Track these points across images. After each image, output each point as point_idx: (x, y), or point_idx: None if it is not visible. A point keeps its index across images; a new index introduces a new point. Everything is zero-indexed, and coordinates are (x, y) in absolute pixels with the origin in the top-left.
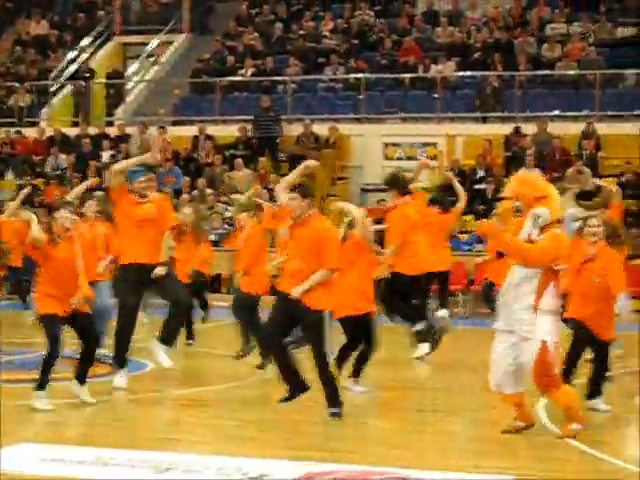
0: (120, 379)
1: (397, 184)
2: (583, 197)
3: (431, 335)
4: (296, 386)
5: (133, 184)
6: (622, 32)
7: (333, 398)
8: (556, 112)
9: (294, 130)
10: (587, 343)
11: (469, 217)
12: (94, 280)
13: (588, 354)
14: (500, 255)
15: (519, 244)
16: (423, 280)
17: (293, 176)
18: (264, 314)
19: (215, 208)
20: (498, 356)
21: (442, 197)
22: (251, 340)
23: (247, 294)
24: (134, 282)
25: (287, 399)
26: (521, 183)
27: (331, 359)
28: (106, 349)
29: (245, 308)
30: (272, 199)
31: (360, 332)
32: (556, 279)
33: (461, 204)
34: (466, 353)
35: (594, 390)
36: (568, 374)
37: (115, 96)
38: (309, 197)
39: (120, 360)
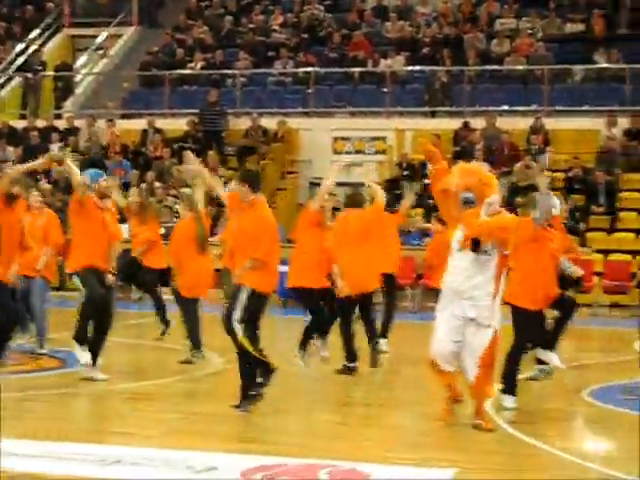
0: (83, 356)
1: (353, 204)
2: (531, 191)
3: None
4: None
5: (98, 184)
6: (570, 28)
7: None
8: (505, 107)
9: (242, 124)
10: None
11: (419, 211)
12: (29, 275)
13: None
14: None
15: (492, 221)
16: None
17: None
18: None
19: (165, 202)
20: (443, 335)
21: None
22: (199, 346)
23: (183, 297)
24: (98, 280)
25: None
26: (471, 174)
27: (240, 332)
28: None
29: (184, 310)
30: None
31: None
32: (507, 265)
33: (406, 203)
34: (414, 347)
35: (552, 342)
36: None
37: (64, 89)
38: (247, 182)
39: (79, 338)
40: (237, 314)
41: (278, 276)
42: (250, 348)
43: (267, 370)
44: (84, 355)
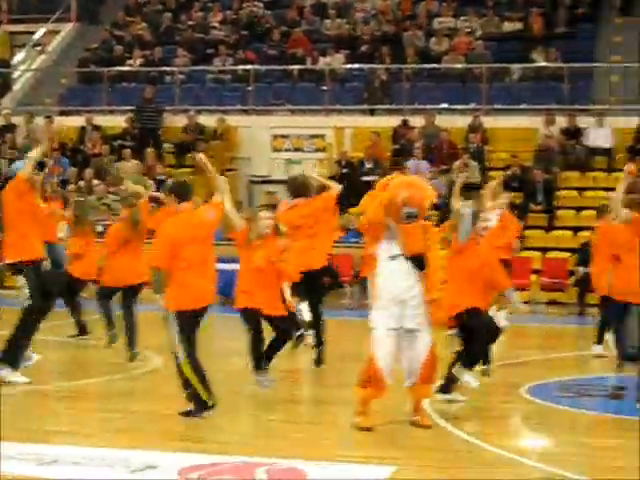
0: (14, 376)
1: (298, 192)
2: (468, 189)
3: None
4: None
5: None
6: (509, 26)
7: (189, 396)
8: (444, 105)
9: (180, 121)
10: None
11: (357, 209)
12: None
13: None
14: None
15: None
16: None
17: None
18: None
19: (104, 199)
20: (386, 351)
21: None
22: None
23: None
24: (42, 283)
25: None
26: (417, 189)
27: (182, 357)
28: None
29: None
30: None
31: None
32: None
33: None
34: (355, 344)
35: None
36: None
37: (1, 85)
38: (173, 193)
39: (13, 359)
40: (176, 341)
41: (205, 287)
42: (193, 379)
43: (202, 407)
44: (17, 377)
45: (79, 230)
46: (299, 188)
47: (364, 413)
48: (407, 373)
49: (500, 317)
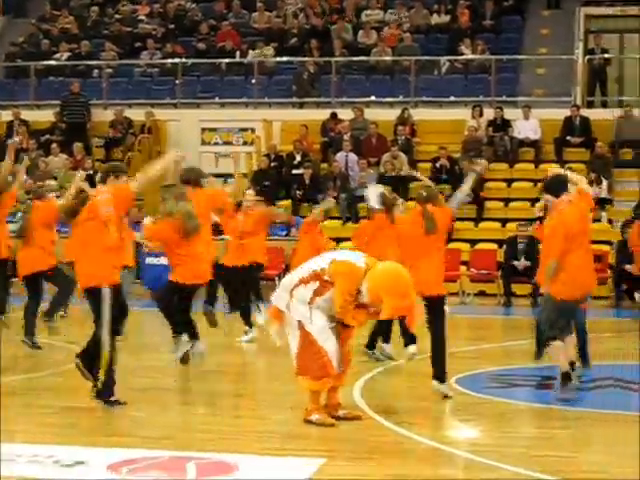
0: None
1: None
2: (398, 183)
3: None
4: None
5: None
6: (436, 19)
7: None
8: (372, 98)
9: (109, 115)
10: None
11: (286, 202)
12: None
13: None
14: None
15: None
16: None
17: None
18: None
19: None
20: (335, 344)
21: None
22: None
23: None
24: None
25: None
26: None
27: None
28: None
29: None
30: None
31: None
32: None
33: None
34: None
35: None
36: None
37: None
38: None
39: None
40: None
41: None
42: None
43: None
44: None
45: None
46: (189, 177)
47: (320, 408)
48: (338, 363)
49: None
